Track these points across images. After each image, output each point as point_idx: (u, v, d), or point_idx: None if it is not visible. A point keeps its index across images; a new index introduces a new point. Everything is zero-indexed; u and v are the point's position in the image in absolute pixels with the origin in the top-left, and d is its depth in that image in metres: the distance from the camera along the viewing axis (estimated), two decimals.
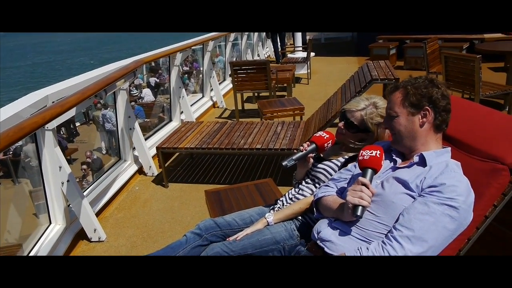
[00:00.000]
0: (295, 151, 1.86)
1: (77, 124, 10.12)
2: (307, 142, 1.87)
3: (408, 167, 1.47)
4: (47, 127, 2.63)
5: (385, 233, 1.37)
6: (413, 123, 1.47)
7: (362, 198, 1.36)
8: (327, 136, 1.86)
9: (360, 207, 1.37)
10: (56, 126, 2.77)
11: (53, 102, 2.71)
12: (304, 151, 1.83)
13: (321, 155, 1.96)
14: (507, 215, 1.61)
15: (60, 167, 2.76)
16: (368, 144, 1.68)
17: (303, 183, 1.96)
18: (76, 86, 2.99)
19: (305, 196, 1.90)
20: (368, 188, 1.39)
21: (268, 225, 1.82)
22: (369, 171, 1.44)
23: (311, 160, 1.90)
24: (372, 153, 1.45)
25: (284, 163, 1.79)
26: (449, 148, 1.50)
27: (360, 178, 1.41)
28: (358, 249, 1.36)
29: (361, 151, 1.48)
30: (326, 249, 1.47)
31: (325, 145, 1.85)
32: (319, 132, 1.90)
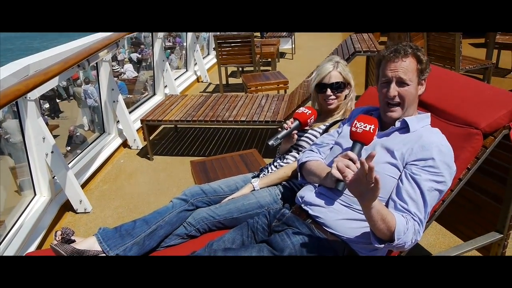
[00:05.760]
0: (279, 129, 1.88)
1: (58, 100, 9.94)
2: (291, 120, 1.90)
3: (391, 132, 1.48)
4: (30, 97, 2.60)
5: None
6: (417, 92, 1.47)
7: (346, 175, 1.33)
8: (310, 112, 1.89)
9: (342, 183, 1.35)
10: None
11: (34, 71, 2.66)
12: (289, 129, 1.86)
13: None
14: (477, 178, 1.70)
15: (44, 138, 2.75)
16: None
17: (288, 152, 2.01)
18: (58, 56, 2.94)
19: (289, 163, 1.95)
20: (354, 164, 1.35)
21: (254, 189, 1.88)
22: (358, 145, 1.41)
23: (296, 136, 1.94)
24: (366, 127, 1.40)
25: (270, 143, 1.81)
26: (429, 114, 1.54)
27: (348, 153, 1.37)
28: (406, 220, 1.30)
29: (355, 121, 1.43)
30: (310, 212, 1.52)
31: (308, 121, 1.89)
32: (301, 109, 1.93)
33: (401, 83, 1.43)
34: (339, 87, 1.90)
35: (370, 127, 1.39)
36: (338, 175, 1.34)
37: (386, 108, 1.48)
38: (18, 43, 32.75)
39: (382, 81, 1.47)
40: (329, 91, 1.90)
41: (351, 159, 1.35)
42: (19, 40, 33.65)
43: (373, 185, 1.14)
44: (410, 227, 1.29)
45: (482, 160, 1.52)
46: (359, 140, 1.40)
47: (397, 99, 1.44)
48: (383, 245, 1.30)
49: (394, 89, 1.43)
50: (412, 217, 1.32)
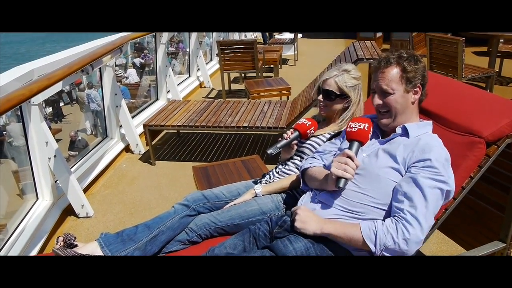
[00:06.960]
0: (279, 139, 1.89)
1: (61, 104, 9.96)
2: (291, 130, 1.92)
3: (393, 138, 1.50)
4: (33, 102, 2.61)
5: (370, 204, 1.41)
6: (407, 100, 1.48)
7: (346, 170, 1.39)
8: (310, 123, 1.91)
9: (343, 180, 1.39)
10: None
11: (38, 76, 2.68)
12: (288, 139, 1.88)
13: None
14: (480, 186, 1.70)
15: (47, 143, 2.75)
16: (352, 110, 1.82)
17: (290, 159, 2.01)
18: (62, 60, 2.96)
19: (292, 171, 1.95)
20: (353, 161, 1.40)
21: (256, 196, 1.87)
22: (356, 144, 1.45)
23: (295, 147, 1.95)
24: (360, 125, 1.45)
25: (269, 151, 1.82)
26: (431, 122, 1.55)
27: (346, 151, 1.42)
28: (373, 222, 1.35)
29: (350, 123, 1.48)
30: None
31: (308, 132, 1.90)
32: (301, 120, 1.95)
33: (384, 92, 1.48)
34: (329, 95, 1.87)
35: (365, 126, 1.45)
36: (337, 172, 1.39)
37: (378, 116, 1.54)
38: (6, 48, 32.76)
39: (372, 90, 1.54)
40: (320, 97, 1.91)
41: (349, 157, 1.40)
42: (6, 45, 33.69)
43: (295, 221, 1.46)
44: (381, 227, 1.32)
45: (485, 169, 1.51)
46: (355, 139, 1.45)
47: (384, 108, 1.49)
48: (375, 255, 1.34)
49: (377, 99, 1.50)
50: (400, 216, 1.31)
